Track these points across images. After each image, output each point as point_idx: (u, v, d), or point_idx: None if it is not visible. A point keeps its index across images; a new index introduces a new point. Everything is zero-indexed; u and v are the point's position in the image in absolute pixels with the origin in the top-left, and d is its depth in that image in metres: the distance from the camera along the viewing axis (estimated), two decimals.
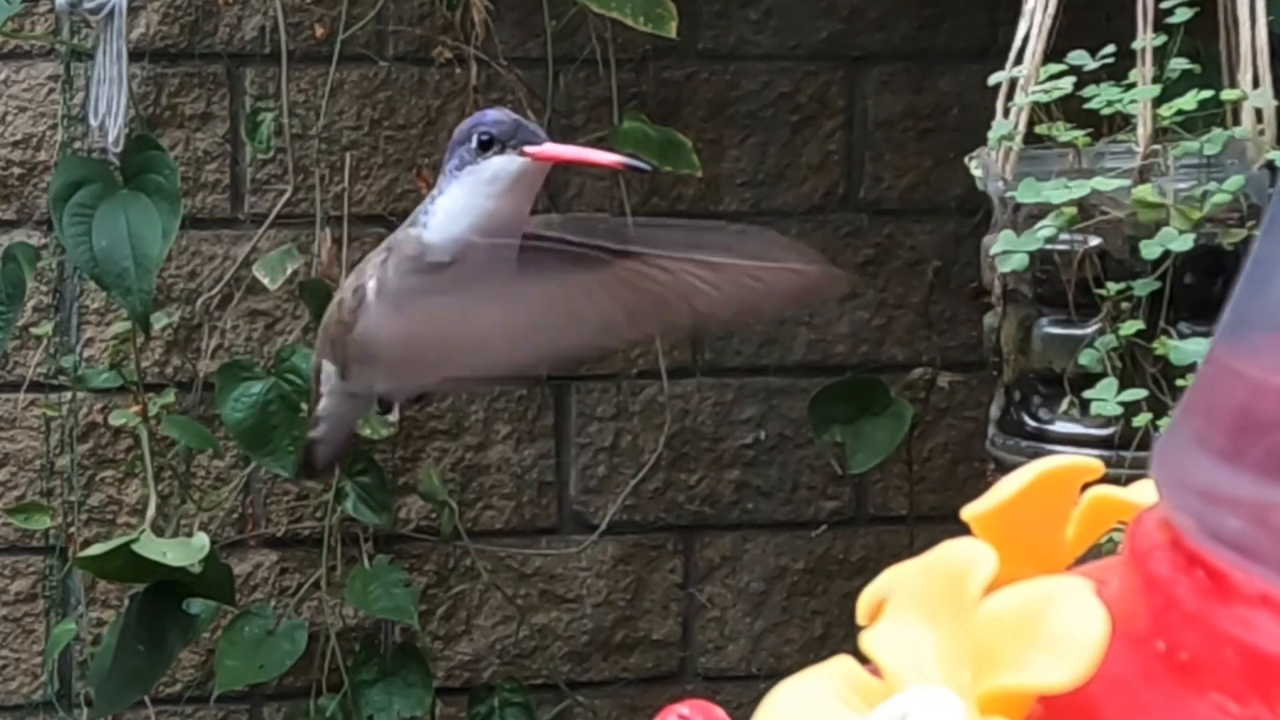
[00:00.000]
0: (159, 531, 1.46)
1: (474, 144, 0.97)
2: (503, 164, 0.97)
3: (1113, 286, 1.01)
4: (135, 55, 1.55)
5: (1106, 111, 1.03)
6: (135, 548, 1.38)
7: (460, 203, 0.98)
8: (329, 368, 1.08)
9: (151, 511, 1.47)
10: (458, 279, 0.99)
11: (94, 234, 1.40)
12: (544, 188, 1.71)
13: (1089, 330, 1.03)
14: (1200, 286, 1.01)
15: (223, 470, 1.65)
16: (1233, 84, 1.02)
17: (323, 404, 1.10)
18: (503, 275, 1.00)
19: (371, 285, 1.02)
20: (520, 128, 0.97)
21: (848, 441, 1.63)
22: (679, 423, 1.71)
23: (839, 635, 1.72)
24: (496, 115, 0.98)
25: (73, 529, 1.62)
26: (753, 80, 1.71)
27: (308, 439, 1.16)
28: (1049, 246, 1.02)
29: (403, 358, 1.04)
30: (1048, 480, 0.33)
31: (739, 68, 1.71)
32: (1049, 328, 1.06)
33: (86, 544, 1.58)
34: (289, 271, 1.53)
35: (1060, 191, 1.00)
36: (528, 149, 0.97)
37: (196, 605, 1.46)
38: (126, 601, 1.60)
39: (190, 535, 1.46)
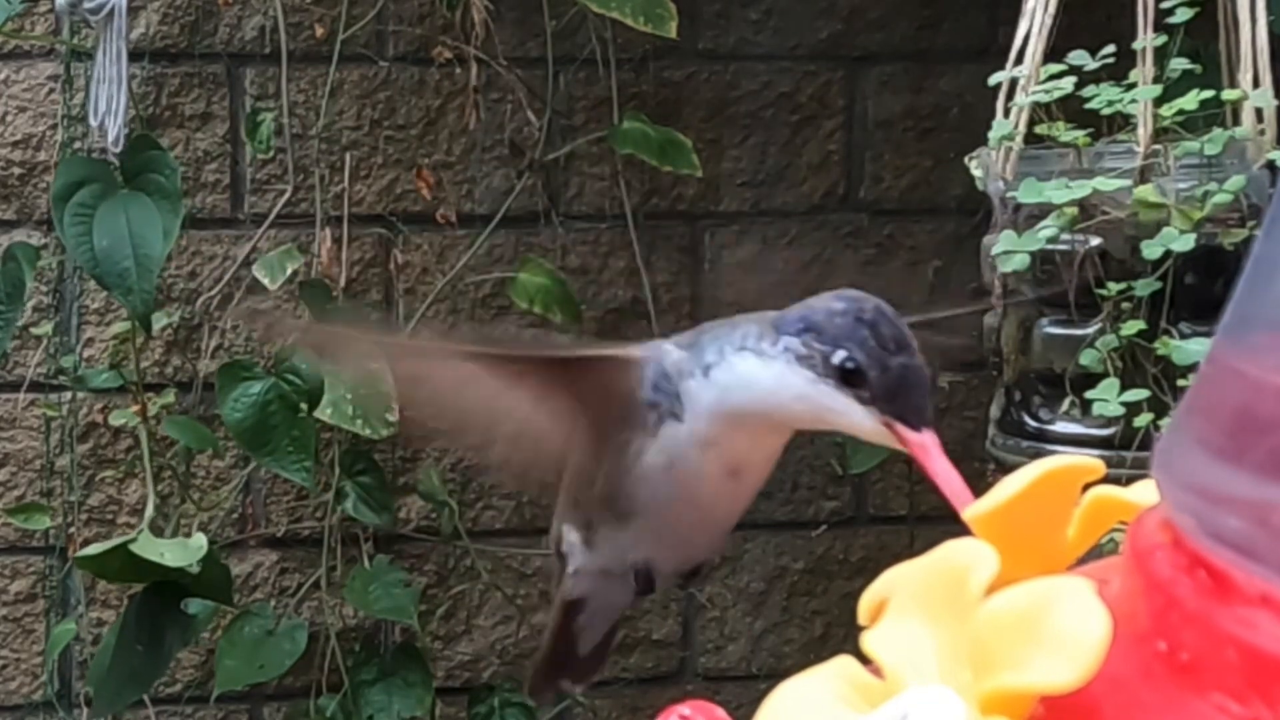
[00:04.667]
0: (159, 532, 1.46)
1: (834, 359, 0.71)
2: (843, 409, 0.71)
3: (1114, 286, 1.01)
4: (135, 55, 1.55)
5: (1107, 111, 1.03)
6: (133, 548, 1.38)
7: (740, 395, 0.75)
8: (572, 537, 0.89)
9: (150, 512, 1.47)
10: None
11: (95, 234, 1.39)
12: (544, 188, 1.72)
13: (1090, 330, 1.03)
14: (1201, 286, 1.00)
15: (222, 470, 1.65)
16: (1233, 84, 1.02)
17: (570, 585, 0.90)
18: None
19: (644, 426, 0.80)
20: (904, 386, 0.70)
21: (848, 441, 1.62)
22: None
23: (839, 635, 1.72)
24: (888, 353, 0.71)
25: (73, 529, 1.62)
26: (753, 80, 1.71)
27: (557, 618, 0.92)
28: (1050, 247, 1.02)
29: (675, 514, 0.82)
30: (1049, 480, 0.33)
31: (739, 68, 1.71)
32: (1050, 328, 1.06)
33: (86, 544, 1.57)
34: (289, 271, 1.53)
35: (1061, 192, 1.00)
36: (899, 426, 0.70)
37: (194, 605, 1.46)
38: (126, 602, 1.60)
39: (190, 535, 1.46)
